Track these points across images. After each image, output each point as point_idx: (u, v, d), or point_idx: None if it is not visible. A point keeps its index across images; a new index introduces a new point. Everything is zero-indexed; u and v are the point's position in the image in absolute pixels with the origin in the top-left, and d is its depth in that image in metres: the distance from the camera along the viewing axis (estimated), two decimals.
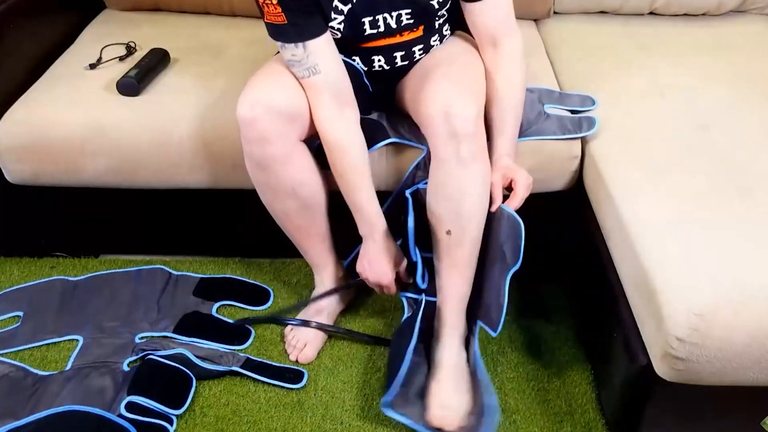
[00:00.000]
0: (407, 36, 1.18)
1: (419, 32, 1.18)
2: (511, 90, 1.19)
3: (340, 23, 1.11)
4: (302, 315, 1.37)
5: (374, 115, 1.28)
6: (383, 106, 1.30)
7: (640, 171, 1.16)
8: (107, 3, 1.70)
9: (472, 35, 1.24)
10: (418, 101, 1.13)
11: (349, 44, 1.16)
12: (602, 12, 1.69)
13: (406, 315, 1.30)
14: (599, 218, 1.22)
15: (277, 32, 1.08)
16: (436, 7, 1.14)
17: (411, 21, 1.15)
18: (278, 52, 1.27)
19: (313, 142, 1.21)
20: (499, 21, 1.17)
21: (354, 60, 1.20)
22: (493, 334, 1.16)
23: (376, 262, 1.22)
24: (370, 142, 1.21)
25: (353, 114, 1.16)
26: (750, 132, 1.23)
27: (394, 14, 1.12)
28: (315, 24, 1.08)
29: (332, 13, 1.09)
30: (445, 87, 1.09)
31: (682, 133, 1.23)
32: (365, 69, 1.21)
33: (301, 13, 1.06)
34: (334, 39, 1.13)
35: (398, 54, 1.20)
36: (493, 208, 1.14)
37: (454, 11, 1.21)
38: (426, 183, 1.18)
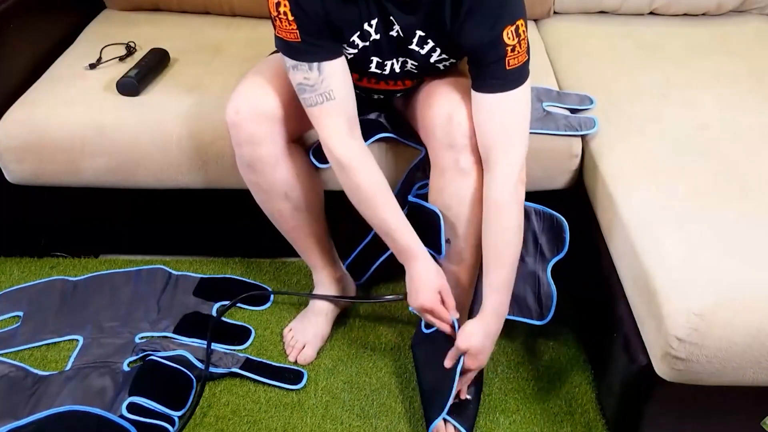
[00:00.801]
0: (408, 85, 1.18)
1: (416, 82, 1.18)
2: (507, 249, 1.08)
3: (349, 55, 1.07)
4: (301, 316, 1.37)
5: (372, 115, 1.28)
6: (381, 109, 1.30)
7: (640, 171, 1.16)
8: (107, 3, 1.70)
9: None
10: (422, 111, 1.14)
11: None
12: (602, 12, 1.70)
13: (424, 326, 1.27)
14: (599, 218, 1.22)
15: (290, 50, 1.02)
16: (442, 69, 1.13)
17: (415, 72, 1.13)
18: (271, 54, 1.26)
19: (310, 146, 1.21)
20: (502, 134, 1.05)
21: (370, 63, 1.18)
22: (541, 323, 1.17)
23: (420, 292, 1.08)
24: (366, 137, 1.21)
25: (359, 135, 1.10)
26: (750, 132, 1.23)
27: (401, 60, 1.10)
28: (331, 45, 1.03)
29: (347, 46, 1.05)
30: (448, 100, 1.09)
31: (683, 132, 1.23)
32: (364, 96, 1.20)
33: (314, 34, 1.00)
34: None
35: (399, 95, 1.23)
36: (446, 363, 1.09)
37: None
38: (425, 187, 1.18)
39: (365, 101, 1.23)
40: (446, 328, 1.10)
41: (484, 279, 1.10)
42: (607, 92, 1.37)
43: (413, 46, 1.06)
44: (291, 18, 0.98)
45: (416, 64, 1.10)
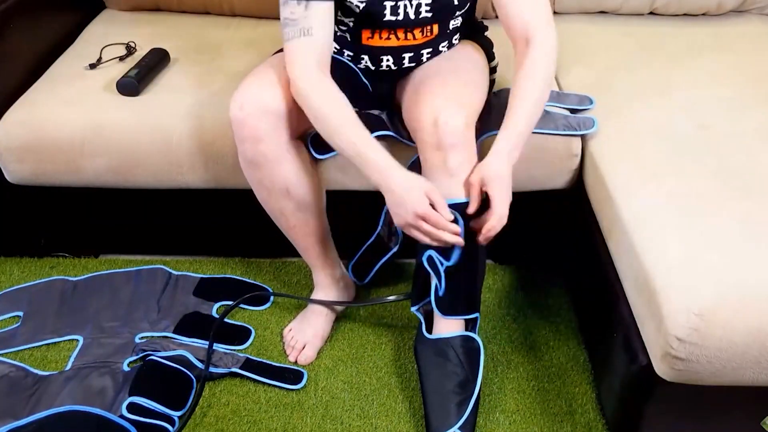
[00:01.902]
0: (419, 39, 1.18)
1: (431, 36, 1.18)
2: (531, 84, 1.11)
3: (361, 3, 1.10)
4: (301, 316, 1.37)
5: (375, 111, 1.28)
6: (383, 106, 1.30)
7: (640, 170, 1.16)
8: (107, 3, 1.71)
9: (480, 45, 1.26)
10: (410, 111, 1.15)
11: (360, 41, 1.16)
12: (602, 12, 1.70)
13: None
14: (599, 218, 1.22)
15: None
16: (456, 3, 1.14)
17: (429, 15, 1.14)
18: (275, 53, 1.27)
19: (308, 138, 1.22)
20: (534, 17, 1.12)
21: (363, 59, 1.20)
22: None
23: (407, 200, 1.05)
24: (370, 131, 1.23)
25: (331, 80, 1.10)
26: (750, 132, 1.23)
27: (415, 3, 1.12)
28: None
29: None
30: (435, 99, 1.10)
31: (682, 133, 1.23)
32: (372, 68, 1.22)
33: None
34: (350, 18, 1.13)
35: (407, 55, 1.20)
36: (470, 209, 1.09)
37: (467, 19, 1.21)
38: None
39: (366, 96, 1.23)
40: (448, 237, 1.06)
41: (503, 123, 1.10)
42: (607, 92, 1.37)
43: None
44: None
45: (429, 3, 1.12)
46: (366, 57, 1.20)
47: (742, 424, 1.07)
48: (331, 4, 1.08)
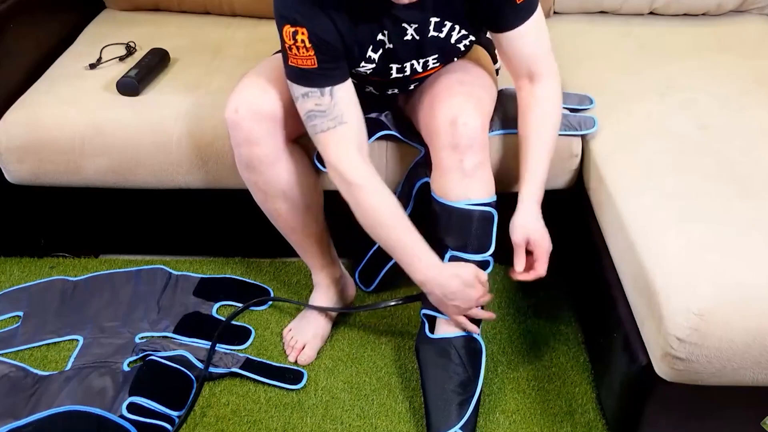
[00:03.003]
0: (429, 73, 1.18)
1: (440, 67, 1.18)
2: (545, 130, 1.14)
3: (368, 70, 1.10)
4: (301, 316, 1.37)
5: (373, 114, 1.28)
6: (386, 108, 1.30)
7: (640, 170, 1.16)
8: (107, 3, 1.71)
9: (485, 48, 1.27)
10: (425, 111, 1.15)
11: (367, 78, 1.15)
12: (602, 12, 1.69)
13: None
14: (599, 218, 1.22)
15: (303, 77, 1.02)
16: (462, 50, 1.14)
17: (437, 64, 1.15)
18: (274, 54, 1.26)
19: (314, 150, 1.22)
20: (537, 52, 1.12)
21: (367, 89, 1.20)
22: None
23: (468, 293, 1.12)
24: (368, 135, 1.22)
25: (368, 159, 1.10)
26: (750, 132, 1.23)
27: (422, 61, 1.12)
28: (342, 69, 1.04)
29: (363, 62, 1.07)
30: (453, 99, 1.10)
31: (682, 133, 1.23)
32: (377, 93, 1.22)
33: (331, 59, 1.02)
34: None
35: (414, 84, 1.21)
36: (517, 276, 1.14)
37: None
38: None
39: (373, 99, 1.23)
40: (483, 314, 1.18)
41: (521, 166, 1.14)
42: (607, 92, 1.37)
43: (432, 34, 1.07)
44: (309, 45, 1.00)
45: (437, 55, 1.11)
46: (371, 87, 1.20)
47: (742, 424, 1.07)
48: (350, 81, 1.06)
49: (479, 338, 1.19)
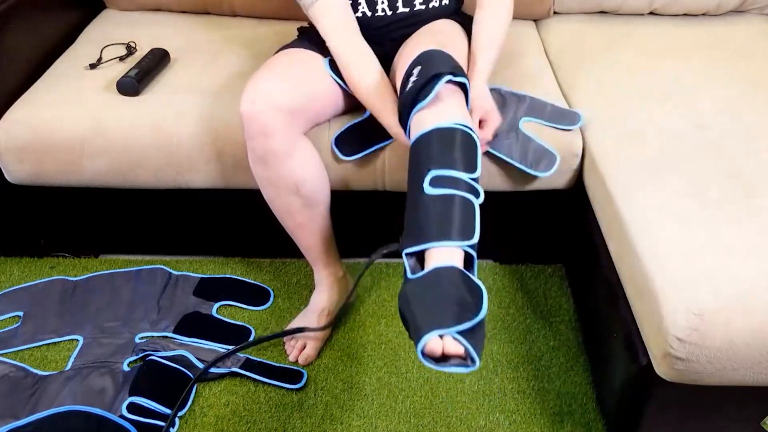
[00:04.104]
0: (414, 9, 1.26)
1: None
2: (492, 25, 1.25)
3: None
4: (301, 315, 1.37)
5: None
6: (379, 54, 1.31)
7: (640, 170, 1.16)
8: (107, 3, 1.70)
9: (460, 22, 1.32)
10: (398, 64, 1.20)
11: None
12: (602, 12, 1.70)
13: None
14: (599, 218, 1.22)
15: None
16: None
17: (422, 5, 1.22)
18: (280, 50, 1.28)
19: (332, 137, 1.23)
20: None
21: (359, 3, 1.24)
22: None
23: None
24: (368, 145, 1.24)
25: (356, 27, 1.22)
26: (750, 132, 1.23)
27: None
28: None
29: None
30: (421, 48, 1.13)
31: (682, 132, 1.23)
32: (369, 14, 1.26)
33: None
34: None
35: (402, 27, 1.26)
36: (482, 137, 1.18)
37: None
38: None
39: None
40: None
41: (472, 52, 1.24)
42: (606, 92, 1.37)
43: None
44: None
45: None
46: (363, 2, 1.24)
47: (742, 424, 1.07)
48: None
49: (478, 281, 0.92)
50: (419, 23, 1.30)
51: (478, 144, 1.03)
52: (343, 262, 1.39)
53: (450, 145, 0.99)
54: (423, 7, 1.29)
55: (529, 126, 1.29)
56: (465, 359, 0.84)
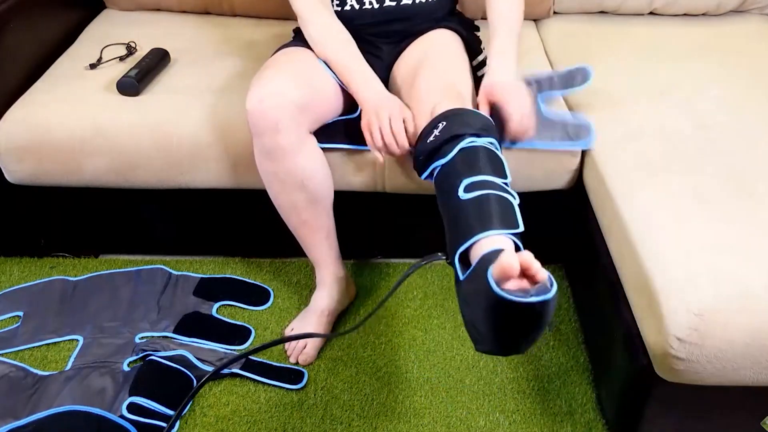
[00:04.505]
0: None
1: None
2: (510, 7, 1.22)
3: None
4: (302, 315, 1.37)
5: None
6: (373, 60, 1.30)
7: (640, 170, 1.16)
8: (107, 3, 1.70)
9: (458, 30, 1.31)
10: (407, 101, 1.18)
11: None
12: (602, 12, 1.70)
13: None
14: (599, 218, 1.22)
15: None
16: None
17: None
18: (278, 50, 1.28)
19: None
20: None
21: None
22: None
23: (387, 104, 1.15)
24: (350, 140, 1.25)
25: (328, 5, 1.24)
26: (750, 132, 1.23)
27: None
28: None
29: None
30: (431, 91, 1.13)
31: (682, 132, 1.23)
32: (357, 7, 1.26)
33: None
34: None
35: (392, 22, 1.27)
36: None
37: None
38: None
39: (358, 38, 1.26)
40: (395, 148, 1.14)
41: (488, 48, 1.20)
42: (606, 92, 1.37)
43: None
44: None
45: None
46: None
47: (742, 424, 1.07)
48: None
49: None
50: (409, 19, 1.29)
51: (502, 156, 1.03)
52: (344, 262, 1.39)
53: (475, 158, 1.00)
54: (409, 2, 1.28)
55: (550, 103, 1.30)
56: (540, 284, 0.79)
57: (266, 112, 1.11)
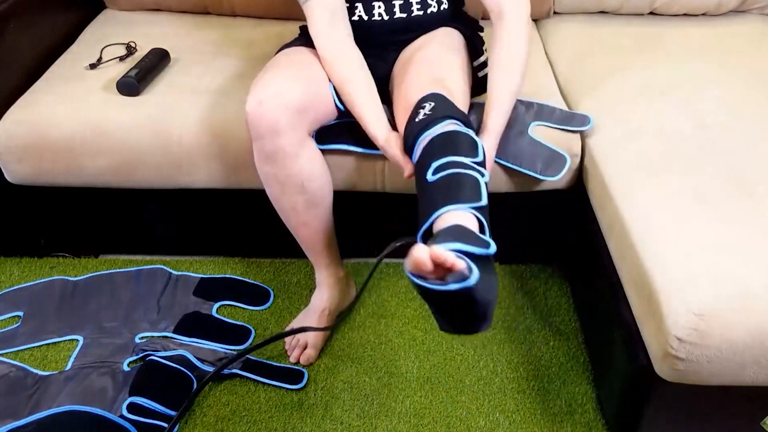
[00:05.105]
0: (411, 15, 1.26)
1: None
2: (507, 61, 1.19)
3: None
4: (302, 315, 1.37)
5: None
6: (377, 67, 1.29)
7: (640, 170, 1.16)
8: (107, 3, 1.70)
9: (461, 29, 1.30)
10: (402, 105, 1.17)
11: None
12: (602, 12, 1.70)
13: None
14: (599, 218, 1.22)
15: None
16: None
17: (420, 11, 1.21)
18: (279, 50, 1.28)
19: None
20: None
21: (356, 7, 1.24)
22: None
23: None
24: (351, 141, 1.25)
25: (345, 30, 1.21)
26: (750, 132, 1.23)
27: None
28: None
29: None
30: (421, 86, 1.12)
31: (682, 132, 1.23)
32: (366, 18, 1.25)
33: None
34: None
35: (397, 3, 1.25)
36: None
37: None
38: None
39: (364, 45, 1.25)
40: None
41: (488, 97, 1.18)
42: (607, 92, 1.37)
43: None
44: None
45: None
46: (360, 5, 1.24)
47: (742, 424, 1.07)
48: None
49: (484, 237, 0.91)
50: (418, 30, 1.29)
51: (477, 139, 1.04)
52: (344, 262, 1.39)
53: (448, 141, 1.02)
54: (421, 13, 1.27)
55: (539, 130, 1.29)
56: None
57: (265, 114, 1.11)
